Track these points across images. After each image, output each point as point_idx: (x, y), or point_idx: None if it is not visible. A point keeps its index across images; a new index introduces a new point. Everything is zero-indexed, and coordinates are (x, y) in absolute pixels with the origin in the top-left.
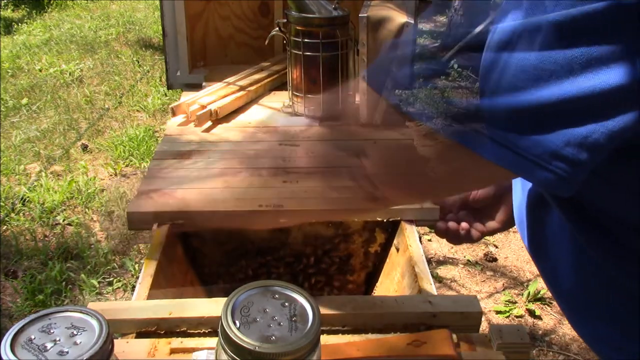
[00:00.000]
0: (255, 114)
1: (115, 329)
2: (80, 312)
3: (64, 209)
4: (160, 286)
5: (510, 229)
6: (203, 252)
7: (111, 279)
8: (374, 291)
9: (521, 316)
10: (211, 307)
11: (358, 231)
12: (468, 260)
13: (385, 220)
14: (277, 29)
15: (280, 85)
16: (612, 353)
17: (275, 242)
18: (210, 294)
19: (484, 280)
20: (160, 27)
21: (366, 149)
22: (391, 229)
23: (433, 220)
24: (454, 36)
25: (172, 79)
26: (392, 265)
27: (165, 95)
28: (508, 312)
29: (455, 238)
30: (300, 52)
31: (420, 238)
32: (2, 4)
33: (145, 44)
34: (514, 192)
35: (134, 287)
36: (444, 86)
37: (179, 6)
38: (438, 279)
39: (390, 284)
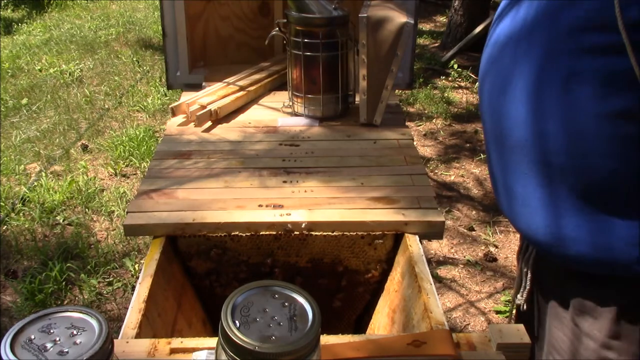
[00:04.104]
0: (255, 114)
1: (151, 231)
2: (80, 312)
3: (64, 209)
4: (160, 286)
5: (510, 230)
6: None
7: (111, 279)
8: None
9: None
10: (227, 215)
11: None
12: (468, 260)
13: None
14: (277, 29)
15: (280, 85)
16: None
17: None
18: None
19: (484, 280)
20: (160, 27)
21: None
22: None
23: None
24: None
25: (172, 79)
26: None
27: (165, 95)
28: (508, 312)
29: None
30: (300, 52)
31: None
32: (2, 4)
33: (145, 44)
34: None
35: (133, 287)
36: (443, 86)
37: (179, 6)
38: (438, 279)
39: (390, 283)
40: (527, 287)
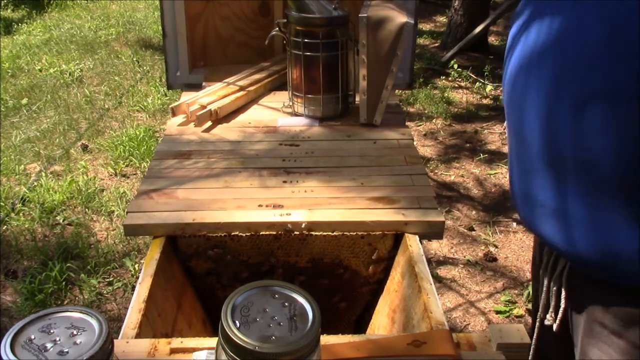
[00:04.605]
0: (255, 114)
1: (150, 231)
2: (80, 312)
3: (64, 209)
4: (160, 286)
5: (510, 230)
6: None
7: (111, 279)
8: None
9: (521, 316)
10: (227, 215)
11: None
12: (468, 260)
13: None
14: (277, 29)
15: (280, 85)
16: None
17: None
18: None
19: (484, 280)
20: (160, 27)
21: None
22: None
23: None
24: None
25: (172, 79)
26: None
27: (165, 95)
28: (508, 312)
29: None
30: (301, 52)
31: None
32: (2, 4)
33: (145, 44)
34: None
35: (133, 287)
36: (443, 86)
37: (179, 6)
38: (438, 279)
39: (390, 283)
40: (562, 306)
